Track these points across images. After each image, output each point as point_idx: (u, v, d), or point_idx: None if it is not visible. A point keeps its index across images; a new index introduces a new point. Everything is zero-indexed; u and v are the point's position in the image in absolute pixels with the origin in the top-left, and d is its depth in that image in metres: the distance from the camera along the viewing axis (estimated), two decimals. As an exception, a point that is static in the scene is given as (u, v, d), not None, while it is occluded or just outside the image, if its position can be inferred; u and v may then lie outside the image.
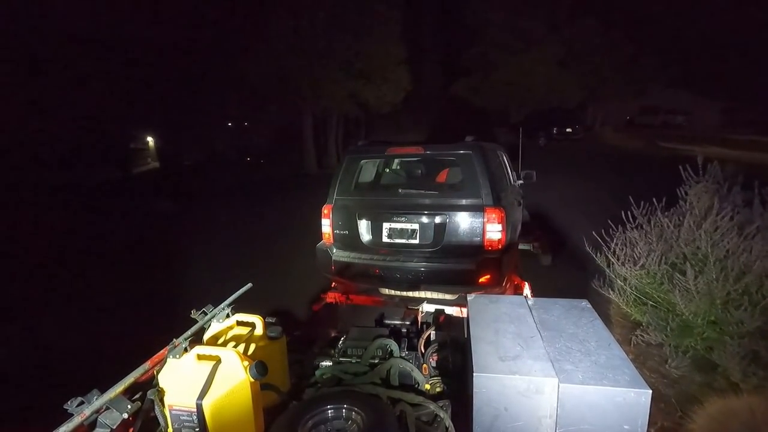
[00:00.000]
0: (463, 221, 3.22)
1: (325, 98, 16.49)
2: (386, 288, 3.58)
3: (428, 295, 3.38)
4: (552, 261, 5.45)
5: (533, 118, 20.73)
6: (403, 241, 3.40)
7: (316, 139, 18.83)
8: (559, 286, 4.51)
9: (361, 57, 16.02)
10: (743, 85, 25.75)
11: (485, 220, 3.15)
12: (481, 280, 3.12)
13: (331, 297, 3.65)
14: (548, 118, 21.17)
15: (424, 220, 3.33)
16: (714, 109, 27.53)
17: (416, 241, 3.36)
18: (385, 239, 3.44)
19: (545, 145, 19.32)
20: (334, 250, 3.62)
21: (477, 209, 3.19)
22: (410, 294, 3.47)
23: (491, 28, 20.96)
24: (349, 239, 3.57)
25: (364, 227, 3.51)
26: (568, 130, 21.37)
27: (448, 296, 3.38)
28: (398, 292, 3.55)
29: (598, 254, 3.39)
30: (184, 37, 15.13)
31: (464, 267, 3.17)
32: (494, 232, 3.15)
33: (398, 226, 3.40)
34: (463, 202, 3.26)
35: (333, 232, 3.63)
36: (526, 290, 3.40)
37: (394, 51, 16.81)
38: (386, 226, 3.43)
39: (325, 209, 3.65)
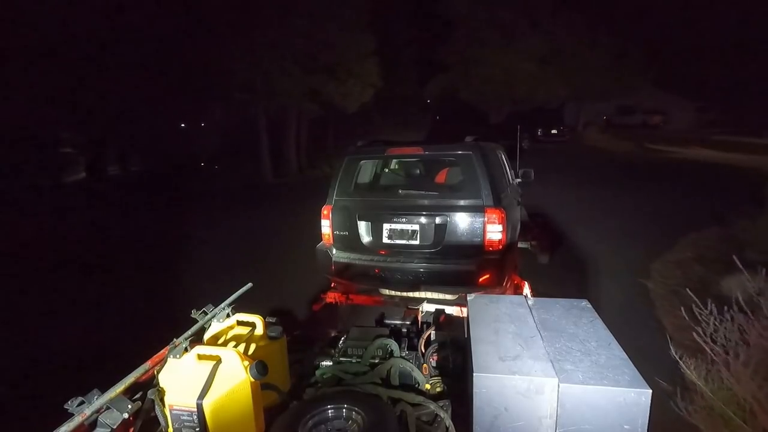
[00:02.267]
0: (464, 222, 3.22)
1: (280, 95, 14.16)
2: (386, 289, 3.59)
3: (428, 295, 3.38)
4: (549, 260, 5.50)
5: (514, 118, 19.87)
6: (404, 242, 3.40)
7: (273, 143, 16.21)
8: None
9: (322, 48, 13.79)
10: (717, 85, 25.91)
11: (486, 220, 3.15)
12: (482, 280, 3.12)
13: (331, 297, 3.65)
14: (531, 118, 20.45)
15: (424, 220, 3.33)
16: (688, 108, 27.64)
17: (416, 242, 3.36)
18: (385, 240, 3.44)
19: (529, 147, 18.64)
20: (334, 251, 3.62)
21: (477, 210, 3.18)
22: (410, 294, 3.47)
23: (469, 21, 19.85)
24: (348, 240, 3.57)
25: (363, 228, 3.51)
26: (554, 131, 20.91)
27: (448, 296, 3.38)
28: (398, 293, 3.55)
29: (696, 371, 2.35)
30: (113, 22, 12.33)
31: (465, 268, 3.17)
32: (495, 232, 3.15)
33: (398, 227, 3.40)
34: (464, 202, 3.26)
35: (333, 233, 3.63)
36: (526, 290, 3.40)
37: (360, 41, 14.59)
38: (386, 227, 3.43)
39: (325, 210, 3.65)
